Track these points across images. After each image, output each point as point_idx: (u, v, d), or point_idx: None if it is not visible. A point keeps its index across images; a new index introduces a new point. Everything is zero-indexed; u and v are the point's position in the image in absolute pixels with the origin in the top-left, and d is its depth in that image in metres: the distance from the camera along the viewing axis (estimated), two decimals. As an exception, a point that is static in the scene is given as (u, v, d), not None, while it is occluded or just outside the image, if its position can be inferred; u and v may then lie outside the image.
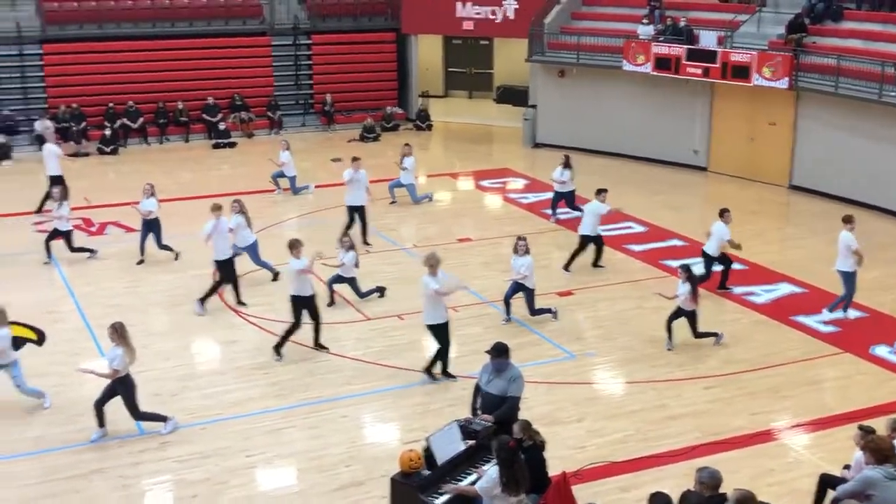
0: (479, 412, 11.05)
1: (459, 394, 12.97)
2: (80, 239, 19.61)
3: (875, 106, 22.30)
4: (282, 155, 23.94)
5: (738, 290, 17.62)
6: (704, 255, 17.45)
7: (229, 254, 16.64)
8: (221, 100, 30.94)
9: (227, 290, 16.83)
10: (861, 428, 10.16)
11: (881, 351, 15.15)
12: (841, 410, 13.18)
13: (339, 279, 16.68)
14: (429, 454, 10.10)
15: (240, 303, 16.72)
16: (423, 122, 32.80)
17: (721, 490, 9.02)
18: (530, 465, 9.60)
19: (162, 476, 11.55)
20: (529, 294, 15.93)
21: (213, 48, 31.33)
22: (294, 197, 23.83)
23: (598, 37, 28.19)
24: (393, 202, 23.10)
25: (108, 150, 28.55)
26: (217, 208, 16.70)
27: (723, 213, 17.22)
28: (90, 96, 29.64)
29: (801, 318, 16.42)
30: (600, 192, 18.51)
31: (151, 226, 18.82)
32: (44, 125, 27.78)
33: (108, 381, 12.13)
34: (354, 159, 20.51)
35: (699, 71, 25.38)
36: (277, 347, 14.66)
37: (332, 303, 16.51)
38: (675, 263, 17.77)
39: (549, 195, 22.34)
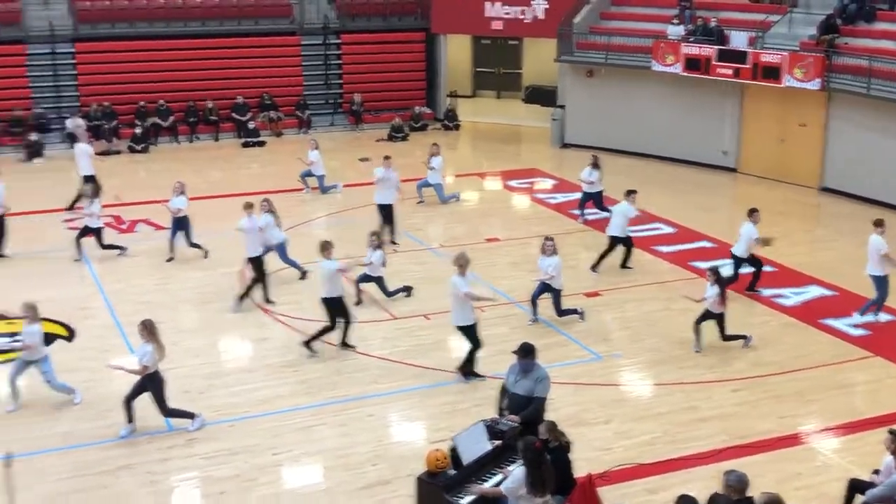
0: (505, 412, 11.05)
1: (486, 394, 12.96)
2: (110, 236, 19.77)
3: (907, 107, 22.11)
4: (310, 154, 24.05)
5: (767, 292, 17.50)
6: (733, 256, 17.35)
7: (260, 251, 16.73)
8: (251, 99, 31.10)
9: (256, 287, 16.91)
10: (891, 432, 10.09)
11: (912, 355, 15.02)
12: (871, 414, 13.07)
13: (366, 278, 16.72)
14: (455, 454, 10.11)
15: (268, 301, 16.81)
16: (451, 121, 32.82)
17: (748, 493, 8.98)
18: (556, 467, 9.59)
19: (189, 473, 11.64)
20: (556, 295, 15.90)
21: (243, 47, 31.49)
22: (322, 196, 23.92)
23: (628, 37, 28.10)
24: (420, 202, 23.13)
25: (138, 148, 28.79)
26: (249, 206, 16.82)
27: (751, 213, 17.12)
28: (121, 95, 29.88)
29: (831, 321, 16.29)
30: (630, 193, 18.45)
31: (181, 224, 18.95)
32: (75, 123, 28.03)
33: (137, 378, 12.23)
34: (386, 158, 20.58)
35: (729, 71, 25.22)
36: (308, 343, 14.72)
37: (359, 301, 16.55)
38: (703, 265, 17.68)
39: (578, 195, 22.30)
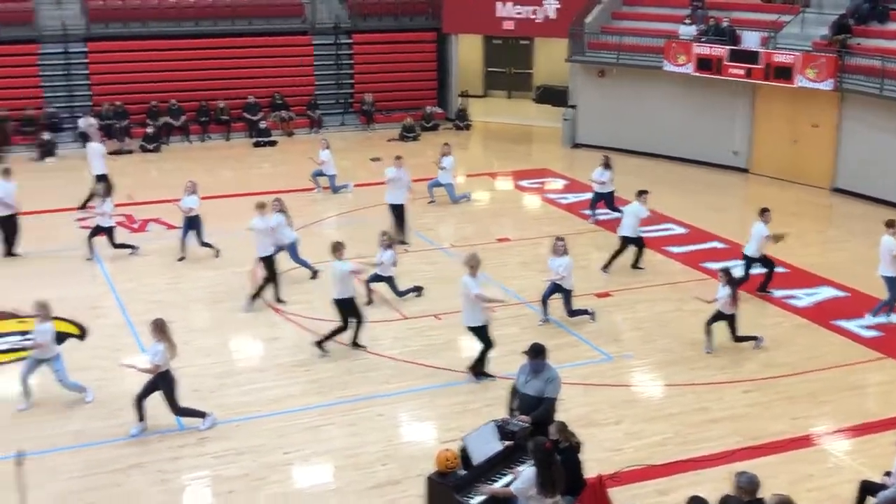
0: (516, 413, 11.04)
1: (497, 394, 12.95)
2: (121, 236, 19.82)
3: (921, 108, 22.03)
4: (322, 153, 24.09)
5: (778, 293, 17.44)
6: (745, 257, 17.30)
7: (272, 251, 16.75)
8: (262, 98, 31.15)
9: (268, 287, 16.93)
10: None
11: (925, 357, 14.95)
12: (883, 416, 13.03)
13: (377, 278, 16.73)
14: (465, 454, 10.11)
15: (279, 300, 16.83)
16: (462, 121, 32.82)
17: (759, 495, 8.95)
18: (566, 467, 9.58)
19: (200, 471, 11.66)
20: (567, 295, 15.89)
21: (254, 47, 31.54)
22: (333, 195, 23.94)
23: (639, 37, 28.05)
24: (431, 202, 23.13)
25: (150, 147, 28.88)
26: (261, 206, 16.85)
27: (763, 213, 17.07)
28: (133, 94, 29.97)
29: (843, 323, 16.23)
30: (641, 193, 18.42)
31: (193, 223, 19.00)
32: (88, 122, 28.12)
33: (149, 377, 12.26)
34: (397, 158, 20.59)
35: (741, 72, 25.15)
36: (320, 343, 14.74)
37: (370, 301, 16.56)
38: (715, 266, 17.64)
39: (589, 196, 22.28)
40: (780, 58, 24.45)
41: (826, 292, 17.70)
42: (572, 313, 15.93)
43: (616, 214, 20.32)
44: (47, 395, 13.20)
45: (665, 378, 14.27)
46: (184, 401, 12.55)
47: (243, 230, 17.18)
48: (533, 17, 31.08)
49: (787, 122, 25.66)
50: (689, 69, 26.23)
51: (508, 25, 31.70)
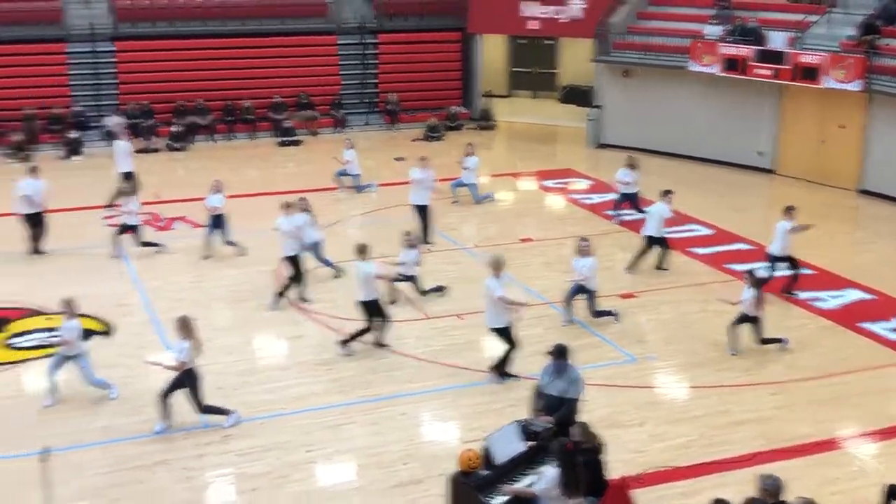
0: (540, 413, 11.03)
1: (519, 394, 12.94)
2: (148, 234, 19.94)
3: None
4: (346, 153, 24.15)
5: (804, 295, 17.33)
6: (770, 256, 17.21)
7: (297, 250, 16.82)
8: (288, 98, 31.27)
9: (293, 286, 16.99)
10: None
11: (952, 360, 14.81)
12: (909, 420, 12.94)
13: (400, 277, 16.75)
14: (487, 454, 10.11)
15: (303, 300, 16.89)
16: (486, 121, 32.81)
17: (784, 498, 8.91)
18: (588, 468, 9.56)
19: (224, 469, 11.72)
20: (591, 296, 15.85)
21: (280, 47, 31.66)
22: (357, 195, 23.99)
23: (665, 37, 27.95)
24: (455, 202, 23.13)
25: (176, 146, 29.04)
26: (288, 206, 16.91)
27: (788, 211, 16.98)
28: (160, 93, 30.15)
29: (869, 325, 16.10)
30: (666, 193, 18.36)
31: (218, 222, 19.10)
32: (115, 121, 28.31)
33: (174, 374, 12.34)
34: (422, 159, 20.60)
35: (767, 72, 25.00)
36: (345, 343, 14.79)
37: (393, 301, 16.59)
38: (740, 267, 17.59)
39: (613, 196, 22.22)
40: (807, 58, 24.29)
41: (852, 294, 17.57)
42: (596, 314, 15.90)
43: (641, 215, 20.26)
44: (73, 391, 13.31)
45: (689, 380, 14.21)
46: (208, 398, 12.61)
47: (269, 229, 17.26)
48: (558, 16, 31.00)
49: (813, 122, 25.49)
50: (715, 69, 26.10)
51: (534, 25, 31.64)
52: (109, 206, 22.05)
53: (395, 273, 16.07)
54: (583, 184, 25.62)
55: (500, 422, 11.36)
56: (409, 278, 16.78)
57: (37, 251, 19.27)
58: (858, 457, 12.12)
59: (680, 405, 13.47)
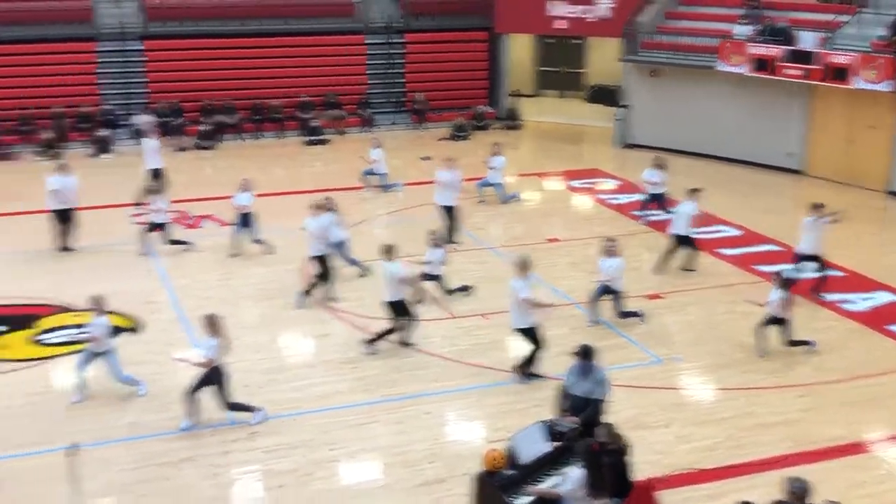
0: (567, 414, 11.01)
1: (544, 394, 12.92)
2: (176, 232, 20.06)
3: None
4: (373, 152, 24.20)
5: (832, 297, 17.20)
6: (799, 256, 17.10)
7: (325, 250, 16.87)
8: (315, 97, 31.37)
9: (320, 285, 17.05)
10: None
11: (983, 364, 14.65)
12: (939, 424, 12.82)
13: (426, 276, 16.77)
14: (511, 454, 10.10)
15: (330, 299, 16.93)
16: (513, 121, 32.78)
17: (811, 501, 8.86)
18: (613, 470, 9.54)
19: (250, 466, 11.78)
20: (617, 296, 15.81)
21: (307, 46, 31.78)
22: (383, 194, 24.04)
23: (693, 36, 27.82)
24: (481, 201, 23.13)
25: (205, 145, 29.21)
26: (318, 207, 16.96)
27: (816, 208, 16.88)
28: (188, 92, 30.35)
29: (899, 328, 15.99)
30: (693, 191, 18.27)
31: (246, 220, 19.20)
32: (144, 119, 28.52)
33: (201, 371, 12.41)
34: (449, 160, 20.60)
35: (796, 72, 24.82)
36: (371, 342, 14.83)
37: (420, 300, 16.60)
38: (768, 269, 17.48)
39: (640, 196, 22.15)
40: (837, 58, 24.09)
41: (882, 297, 17.41)
42: (623, 315, 15.85)
43: (668, 216, 20.16)
44: (102, 387, 13.40)
45: (716, 381, 14.14)
46: (234, 395, 12.68)
47: (297, 228, 17.32)
48: (586, 16, 30.92)
49: (843, 123, 25.30)
50: (744, 69, 25.95)
51: (561, 25, 31.57)
52: (138, 203, 22.20)
53: (420, 273, 16.07)
54: (610, 184, 25.54)
55: (524, 422, 11.35)
56: (435, 277, 16.79)
57: (65, 248, 19.44)
58: (886, 460, 12.01)
59: (706, 407, 13.41)
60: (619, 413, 12.16)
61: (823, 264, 17.13)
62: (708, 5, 29.49)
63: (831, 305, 16.96)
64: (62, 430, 12.21)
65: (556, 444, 10.35)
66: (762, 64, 25.52)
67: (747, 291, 16.79)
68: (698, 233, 18.73)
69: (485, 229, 21.42)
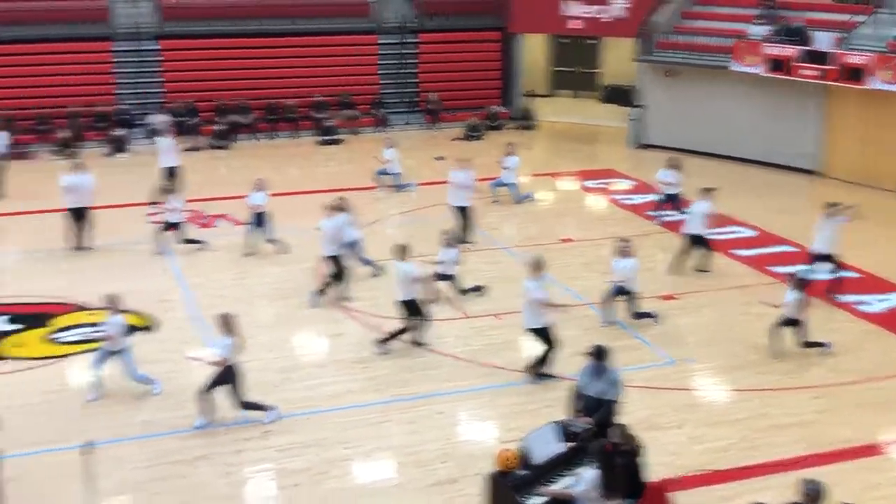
0: (580, 414, 11.01)
1: (557, 395, 12.90)
2: (190, 231, 20.12)
3: None
4: (386, 152, 24.23)
5: (848, 298, 17.12)
6: (814, 256, 17.02)
7: (339, 250, 16.90)
8: (329, 97, 31.42)
9: (334, 284, 17.07)
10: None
11: None
12: (954, 426, 12.75)
13: (439, 276, 16.77)
14: (524, 454, 10.10)
15: (344, 298, 16.96)
16: (527, 121, 32.75)
17: (824, 502, 8.82)
18: (626, 470, 9.53)
19: (264, 464, 11.81)
20: (631, 297, 15.78)
21: (322, 46, 31.83)
22: (397, 194, 24.06)
23: (708, 37, 27.73)
24: (495, 201, 23.12)
25: (219, 144, 29.28)
26: (332, 208, 16.99)
27: (831, 206, 16.80)
28: (203, 92, 30.43)
29: (915, 330, 15.91)
30: (708, 191, 18.22)
31: (260, 219, 19.24)
32: (160, 119, 28.60)
33: (216, 370, 12.45)
34: (462, 160, 20.59)
35: (812, 73, 24.72)
36: (384, 342, 14.84)
37: (434, 300, 16.59)
38: (784, 270, 17.42)
39: (655, 197, 22.10)
40: (853, 59, 23.98)
41: (898, 298, 17.36)
42: (637, 316, 15.82)
43: (682, 216, 20.11)
44: (116, 386, 13.45)
45: (730, 382, 14.09)
46: (248, 394, 12.71)
47: (311, 228, 17.35)
48: (600, 16, 30.86)
49: (859, 124, 25.18)
50: (760, 70, 25.86)
51: (576, 25, 31.51)
52: (154, 203, 22.28)
53: (433, 273, 16.08)
54: (624, 184, 25.50)
55: (536, 422, 11.34)
56: (448, 277, 16.79)
57: (80, 247, 19.52)
58: (902, 463, 11.99)
59: (720, 408, 13.37)
60: (632, 414, 12.13)
61: (838, 265, 17.06)
62: (723, 5, 29.40)
63: (847, 307, 16.89)
64: (77, 428, 12.27)
65: (569, 444, 10.34)
66: (777, 64, 25.43)
67: (762, 293, 16.74)
68: (712, 233, 18.68)
69: (498, 229, 21.41)
